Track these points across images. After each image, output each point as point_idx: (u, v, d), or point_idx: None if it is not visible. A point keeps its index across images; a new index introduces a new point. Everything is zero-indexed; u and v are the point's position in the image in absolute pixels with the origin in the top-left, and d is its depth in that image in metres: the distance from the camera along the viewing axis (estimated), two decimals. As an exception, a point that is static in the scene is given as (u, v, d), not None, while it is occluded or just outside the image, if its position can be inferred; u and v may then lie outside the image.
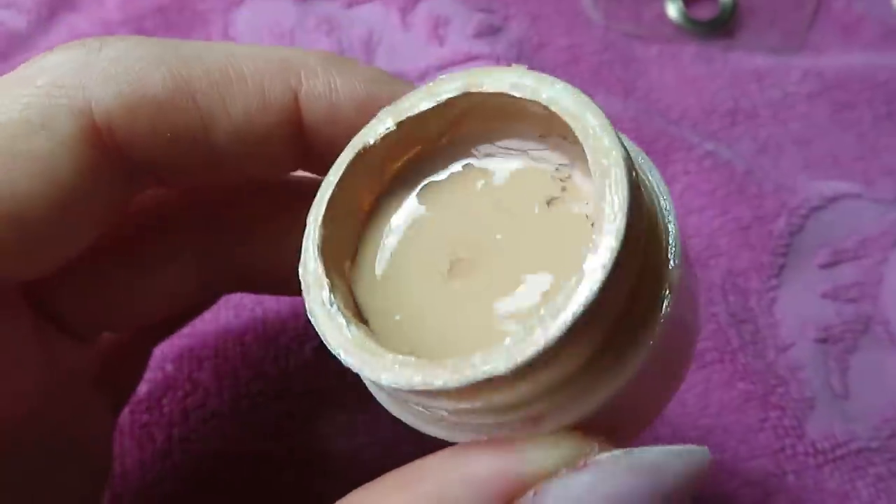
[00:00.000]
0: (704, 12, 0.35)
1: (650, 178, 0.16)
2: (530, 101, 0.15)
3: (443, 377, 0.13)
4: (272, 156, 0.18)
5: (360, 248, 0.16)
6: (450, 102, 0.15)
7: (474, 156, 0.16)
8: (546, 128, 0.15)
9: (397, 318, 0.15)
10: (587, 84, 0.33)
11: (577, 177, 0.15)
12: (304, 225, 0.16)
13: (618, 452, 0.14)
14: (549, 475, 0.14)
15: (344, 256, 0.16)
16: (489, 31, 0.34)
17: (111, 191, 0.17)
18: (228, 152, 0.17)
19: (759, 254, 0.30)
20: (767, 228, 0.30)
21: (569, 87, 0.14)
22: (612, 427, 0.15)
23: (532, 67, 0.33)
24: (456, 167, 0.16)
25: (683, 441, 0.26)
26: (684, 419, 0.27)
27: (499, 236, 0.15)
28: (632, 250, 0.13)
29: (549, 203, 0.15)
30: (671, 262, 0.15)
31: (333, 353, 0.14)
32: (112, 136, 0.16)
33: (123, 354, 0.24)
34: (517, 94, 0.15)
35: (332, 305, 0.15)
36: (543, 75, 0.15)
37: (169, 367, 0.27)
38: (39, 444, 0.19)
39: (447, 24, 0.34)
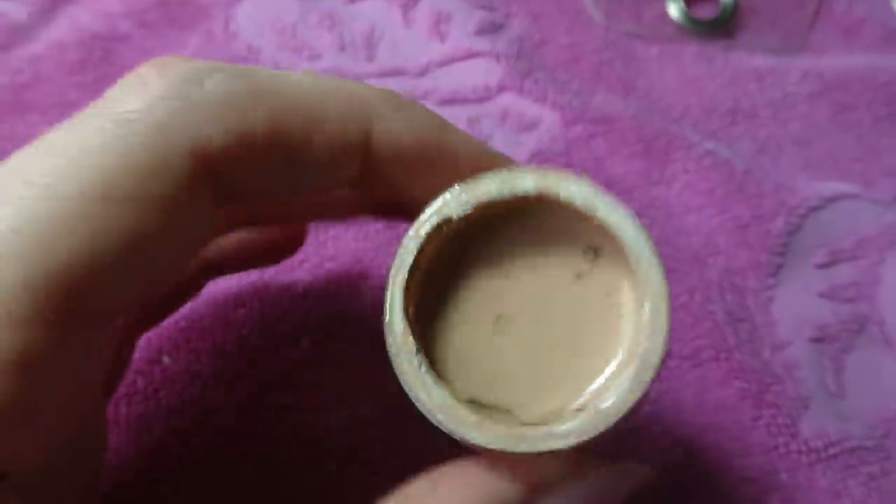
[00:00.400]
0: (705, 12, 0.35)
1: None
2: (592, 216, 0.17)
3: (522, 446, 0.16)
4: (340, 186, 0.19)
5: (420, 295, 0.18)
6: (525, 195, 0.18)
7: (521, 222, 0.19)
8: (591, 221, 0.18)
9: (453, 362, 0.18)
10: (588, 82, 0.33)
11: (604, 259, 0.18)
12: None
13: (605, 468, 0.19)
14: (559, 483, 0.18)
15: (409, 302, 0.18)
16: (490, 29, 0.34)
17: (210, 221, 0.18)
18: (309, 183, 0.19)
19: (757, 253, 0.30)
20: (766, 227, 0.30)
21: (633, 215, 0.17)
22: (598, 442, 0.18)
23: (532, 65, 0.33)
24: (503, 230, 0.19)
25: (678, 436, 0.26)
26: (680, 416, 0.27)
27: (534, 297, 0.18)
28: (666, 356, 0.17)
29: (578, 276, 0.18)
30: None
31: (422, 411, 0.17)
32: (219, 171, 0.17)
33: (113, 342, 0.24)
34: (586, 212, 0.17)
35: (420, 366, 0.17)
36: (609, 194, 0.17)
37: (166, 360, 0.27)
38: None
39: (448, 20, 0.35)
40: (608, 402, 0.16)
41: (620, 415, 0.16)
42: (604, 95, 0.33)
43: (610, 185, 0.31)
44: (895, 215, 0.31)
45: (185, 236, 0.17)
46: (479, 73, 0.33)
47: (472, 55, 0.34)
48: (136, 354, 0.27)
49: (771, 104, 0.33)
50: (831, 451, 0.27)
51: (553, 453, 0.17)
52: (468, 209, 0.18)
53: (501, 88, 0.33)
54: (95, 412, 0.21)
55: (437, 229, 0.18)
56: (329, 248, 0.29)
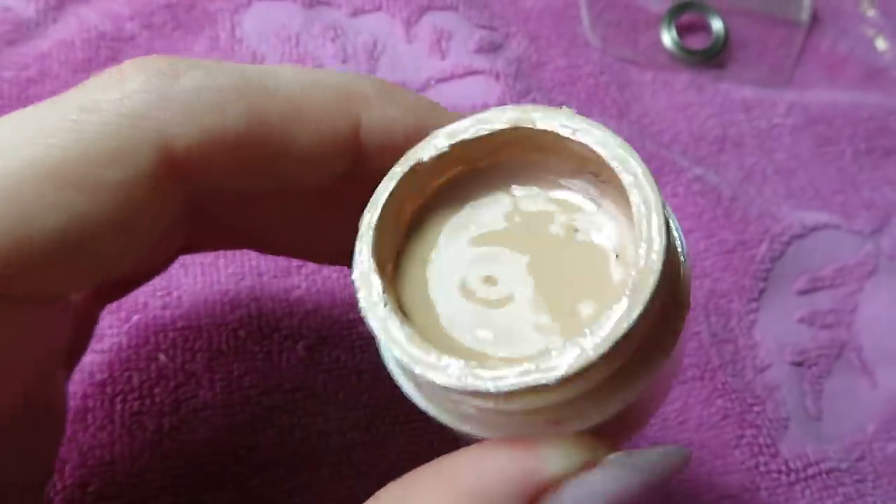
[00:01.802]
0: (698, 43, 0.37)
1: (673, 220, 0.17)
2: (576, 142, 0.16)
3: (493, 381, 0.14)
4: (330, 177, 0.19)
5: (401, 256, 0.18)
6: (500, 132, 0.17)
7: (507, 180, 0.18)
8: (579, 164, 0.17)
9: (433, 325, 0.17)
10: (583, 104, 0.34)
11: (602, 212, 0.17)
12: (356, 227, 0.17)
13: (622, 454, 0.16)
14: (568, 475, 0.15)
15: (387, 261, 0.17)
16: (490, 48, 0.35)
17: (177, 213, 0.18)
18: (293, 178, 0.18)
19: (742, 277, 0.31)
20: (750, 253, 0.31)
21: (614, 134, 0.16)
22: (617, 431, 0.16)
23: (530, 86, 0.34)
24: (491, 188, 0.18)
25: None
26: (665, 433, 0.28)
27: (525, 258, 0.17)
28: (663, 285, 0.15)
29: (575, 231, 0.17)
30: (687, 290, 0.17)
31: (387, 350, 0.16)
32: (187, 167, 0.17)
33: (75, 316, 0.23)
34: (566, 134, 0.16)
35: (385, 305, 0.16)
36: (590, 120, 0.16)
37: (162, 358, 0.27)
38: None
39: (450, 38, 0.35)
40: (601, 328, 0.14)
41: (613, 339, 0.14)
42: (598, 118, 0.34)
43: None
44: (873, 246, 0.32)
45: (143, 227, 0.17)
46: (478, 90, 0.34)
47: (471, 72, 0.35)
48: (132, 352, 0.27)
49: (757, 134, 0.35)
50: (810, 471, 0.27)
51: (558, 437, 0.15)
52: (444, 149, 0.17)
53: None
54: (48, 385, 0.21)
55: (411, 176, 0.17)
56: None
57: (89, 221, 0.16)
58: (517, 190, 0.18)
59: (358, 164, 0.19)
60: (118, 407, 0.26)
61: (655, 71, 0.36)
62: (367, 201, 0.17)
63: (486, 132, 0.17)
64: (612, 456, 0.16)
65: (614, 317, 0.14)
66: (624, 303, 0.14)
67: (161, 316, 0.28)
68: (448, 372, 0.15)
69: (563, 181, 0.18)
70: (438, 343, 0.16)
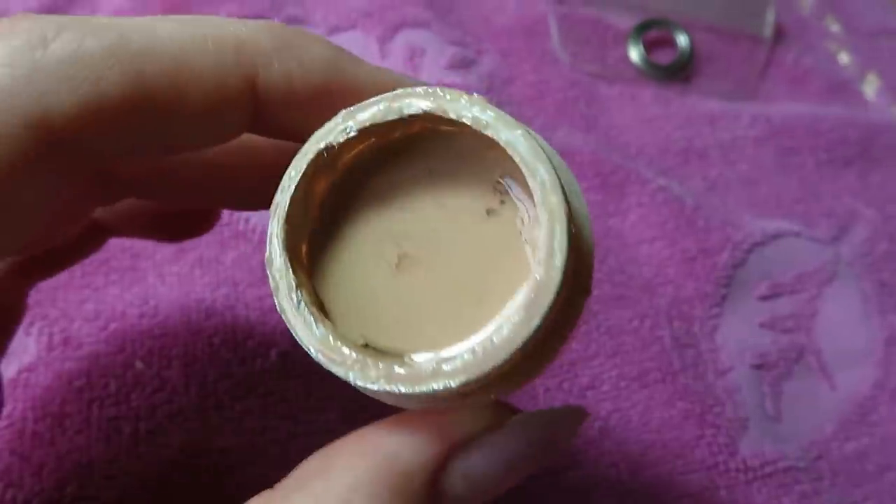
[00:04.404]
0: (664, 58, 0.38)
1: (579, 203, 0.17)
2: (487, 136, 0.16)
3: (403, 385, 0.15)
4: (227, 137, 0.18)
5: (314, 234, 0.17)
6: (410, 117, 0.16)
7: (422, 153, 0.17)
8: (493, 146, 0.16)
9: (349, 303, 0.17)
10: (552, 117, 0.35)
11: (515, 190, 0.17)
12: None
13: (524, 415, 0.17)
14: (475, 437, 0.16)
15: (300, 241, 0.17)
16: (462, 64, 0.36)
17: (60, 188, 0.17)
18: (185, 142, 0.18)
19: (704, 284, 0.32)
20: (712, 260, 0.32)
21: (527, 133, 0.16)
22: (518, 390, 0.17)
23: (501, 101, 0.35)
24: (404, 162, 0.17)
25: (624, 452, 0.28)
26: (627, 434, 0.28)
27: (440, 235, 0.17)
28: (565, 284, 0.15)
29: (488, 212, 0.17)
30: (589, 274, 0.17)
31: (304, 348, 0.16)
32: (69, 138, 0.16)
33: None
34: (477, 128, 0.16)
35: (300, 304, 0.16)
36: (504, 114, 0.16)
37: (139, 365, 0.28)
38: None
39: (423, 54, 0.36)
40: (500, 336, 0.15)
41: (512, 348, 0.15)
42: (566, 131, 0.35)
43: (569, 215, 0.33)
44: (833, 253, 0.33)
45: (26, 204, 0.16)
46: (450, 105, 0.35)
47: (443, 88, 0.36)
48: (110, 359, 0.28)
49: (721, 146, 0.36)
50: (767, 469, 0.28)
51: (465, 407, 0.16)
52: (352, 134, 0.16)
53: (470, 120, 0.35)
54: None
55: (320, 158, 0.17)
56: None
57: None
58: (430, 163, 0.17)
59: (262, 118, 0.18)
60: (95, 412, 0.27)
61: (623, 85, 0.37)
62: (283, 147, 0.17)
63: (396, 117, 0.16)
64: (515, 417, 0.17)
65: (513, 327, 0.15)
66: (522, 314, 0.15)
67: (138, 324, 0.28)
68: (364, 375, 0.15)
69: (479, 156, 0.17)
70: (351, 326, 0.16)
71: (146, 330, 0.28)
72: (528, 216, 0.17)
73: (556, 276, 0.15)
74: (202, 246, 0.30)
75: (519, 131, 0.16)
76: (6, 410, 0.26)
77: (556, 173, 0.15)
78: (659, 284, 0.32)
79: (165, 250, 0.30)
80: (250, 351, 0.28)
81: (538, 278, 0.15)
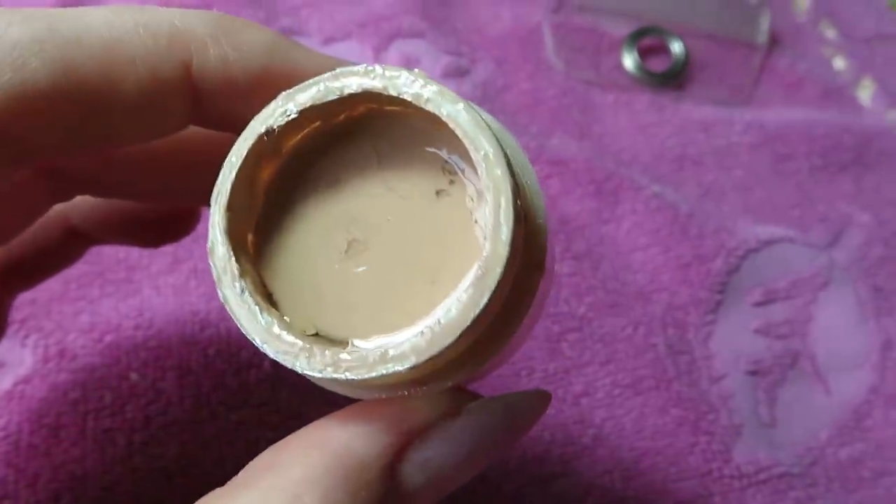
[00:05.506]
0: (658, 65, 0.38)
1: (530, 180, 0.17)
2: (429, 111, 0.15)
3: (351, 371, 0.15)
4: (167, 126, 0.18)
5: (261, 222, 0.17)
6: (350, 96, 0.16)
7: (369, 136, 0.17)
8: (436, 127, 0.16)
9: (298, 291, 0.16)
10: (546, 125, 0.36)
11: (464, 169, 0.16)
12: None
13: (483, 400, 0.17)
14: (433, 424, 0.16)
15: (246, 230, 0.17)
16: (456, 73, 0.37)
17: (10, 181, 0.17)
18: (122, 131, 0.17)
19: (698, 290, 0.32)
20: (707, 267, 0.32)
21: (469, 106, 0.15)
22: (478, 377, 0.17)
23: (495, 109, 0.36)
24: (351, 145, 0.17)
25: (618, 458, 0.28)
26: (621, 441, 0.29)
27: (390, 219, 0.17)
28: (514, 258, 0.15)
29: (438, 193, 0.16)
30: (543, 250, 0.16)
31: (249, 338, 0.15)
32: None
33: None
34: (418, 104, 0.15)
35: (243, 293, 0.15)
36: (447, 89, 0.15)
37: (134, 376, 0.28)
38: None
39: (417, 63, 0.37)
40: (449, 317, 0.14)
41: (461, 328, 0.14)
42: (560, 138, 0.35)
43: (563, 222, 0.33)
44: (827, 258, 0.33)
45: None
46: (444, 114, 0.35)
47: (437, 97, 0.36)
48: (105, 371, 0.28)
49: (716, 152, 0.36)
50: (761, 476, 0.28)
51: (421, 395, 0.15)
52: (292, 116, 0.16)
53: (464, 129, 0.35)
54: None
55: (262, 143, 0.16)
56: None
57: None
58: (377, 144, 0.17)
59: (203, 107, 0.17)
60: (90, 424, 0.27)
61: (617, 93, 0.37)
62: (223, 138, 0.16)
63: (336, 97, 0.16)
64: (473, 403, 0.16)
65: (462, 307, 0.14)
66: (470, 292, 0.14)
67: (133, 336, 0.29)
68: (310, 363, 0.15)
69: (426, 136, 0.17)
70: (301, 314, 0.16)
71: (141, 342, 0.28)
72: (477, 194, 0.16)
73: (502, 251, 0.14)
74: (197, 257, 0.31)
75: (461, 105, 0.15)
76: (1, 422, 0.27)
77: (501, 147, 0.15)
78: (653, 291, 0.32)
79: (161, 262, 0.30)
80: (244, 362, 0.29)
81: (485, 254, 0.14)
